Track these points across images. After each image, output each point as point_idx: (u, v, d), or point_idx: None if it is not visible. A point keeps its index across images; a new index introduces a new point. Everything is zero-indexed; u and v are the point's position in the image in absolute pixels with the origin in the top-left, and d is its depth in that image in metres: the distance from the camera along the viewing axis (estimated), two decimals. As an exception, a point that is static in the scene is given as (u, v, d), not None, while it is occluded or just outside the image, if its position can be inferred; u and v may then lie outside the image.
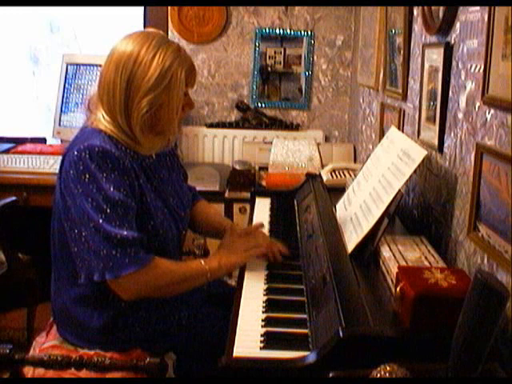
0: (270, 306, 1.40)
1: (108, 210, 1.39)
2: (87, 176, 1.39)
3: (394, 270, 1.27)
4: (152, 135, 1.51)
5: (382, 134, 2.36)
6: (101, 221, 1.38)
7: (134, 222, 1.44)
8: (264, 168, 3.12)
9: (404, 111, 2.09)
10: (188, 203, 1.72)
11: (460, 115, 1.52)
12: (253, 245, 1.65)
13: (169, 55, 1.45)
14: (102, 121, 1.48)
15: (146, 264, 1.42)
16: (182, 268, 1.54)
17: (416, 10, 1.97)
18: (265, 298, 1.44)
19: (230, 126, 3.43)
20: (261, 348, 1.21)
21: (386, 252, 1.43)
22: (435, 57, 1.69)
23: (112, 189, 1.40)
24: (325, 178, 2.20)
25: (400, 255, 1.41)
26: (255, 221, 2.00)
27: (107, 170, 1.40)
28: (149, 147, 1.53)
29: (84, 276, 1.41)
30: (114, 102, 1.46)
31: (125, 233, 1.39)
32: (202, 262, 1.54)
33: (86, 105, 1.55)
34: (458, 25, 1.56)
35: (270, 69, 3.44)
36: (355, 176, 1.90)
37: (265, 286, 1.51)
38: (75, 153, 1.41)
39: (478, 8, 1.42)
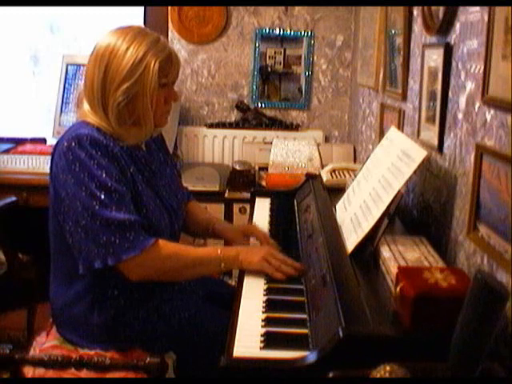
0: (269, 305, 1.40)
1: (102, 197, 1.39)
2: (77, 165, 1.40)
3: (394, 270, 1.27)
4: (128, 125, 1.51)
5: (381, 134, 2.36)
6: (97, 207, 1.38)
7: (132, 206, 1.44)
8: (264, 168, 3.12)
9: (404, 111, 2.09)
10: (182, 198, 1.72)
11: (460, 116, 1.52)
12: (275, 263, 1.54)
13: (143, 46, 1.46)
14: (88, 113, 1.50)
15: (146, 247, 1.42)
16: (193, 252, 1.53)
17: (416, 10, 1.97)
18: (265, 298, 1.44)
19: (230, 126, 3.42)
20: (261, 348, 1.21)
21: (385, 252, 1.43)
22: (435, 57, 1.69)
23: (104, 175, 1.40)
24: (325, 178, 2.20)
25: (400, 255, 1.41)
26: (255, 221, 2.00)
27: (97, 158, 1.41)
28: (126, 137, 1.52)
29: (83, 266, 1.41)
30: (93, 93, 1.48)
31: (122, 216, 1.39)
32: (219, 250, 1.54)
33: (76, 101, 1.58)
34: (457, 25, 1.56)
35: (269, 69, 3.43)
36: (355, 176, 1.90)
37: (265, 286, 1.51)
38: (64, 144, 1.43)
39: (477, 8, 1.42)
